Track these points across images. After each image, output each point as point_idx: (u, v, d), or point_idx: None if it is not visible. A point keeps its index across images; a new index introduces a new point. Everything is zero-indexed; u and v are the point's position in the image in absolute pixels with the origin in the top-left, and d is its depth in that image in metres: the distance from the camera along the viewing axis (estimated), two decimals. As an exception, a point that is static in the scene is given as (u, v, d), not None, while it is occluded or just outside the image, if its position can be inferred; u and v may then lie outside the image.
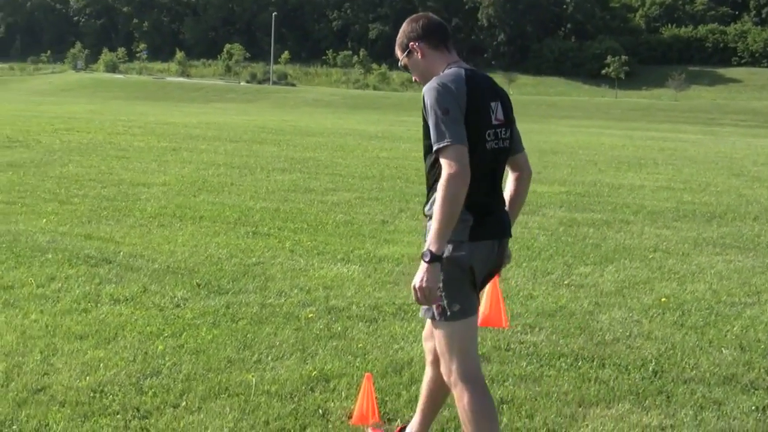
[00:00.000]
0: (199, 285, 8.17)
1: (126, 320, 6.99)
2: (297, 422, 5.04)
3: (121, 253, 9.49)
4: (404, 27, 4.29)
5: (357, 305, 7.71)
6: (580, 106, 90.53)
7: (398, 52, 4.33)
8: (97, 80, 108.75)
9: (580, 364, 6.36)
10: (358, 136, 32.99)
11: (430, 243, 3.84)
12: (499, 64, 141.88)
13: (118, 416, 5.05)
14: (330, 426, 4.99)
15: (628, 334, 7.19)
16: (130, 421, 4.98)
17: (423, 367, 6.04)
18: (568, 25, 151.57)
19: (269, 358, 6.19)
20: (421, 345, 6.57)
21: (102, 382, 5.55)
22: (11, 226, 10.85)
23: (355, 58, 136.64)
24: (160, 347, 6.32)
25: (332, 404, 5.35)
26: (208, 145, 25.22)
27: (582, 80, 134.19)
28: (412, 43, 4.23)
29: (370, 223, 12.33)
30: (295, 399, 5.42)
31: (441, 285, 3.97)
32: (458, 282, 4.04)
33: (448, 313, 4.06)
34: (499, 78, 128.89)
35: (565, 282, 9.03)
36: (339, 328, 6.98)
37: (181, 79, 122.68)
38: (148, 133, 29.00)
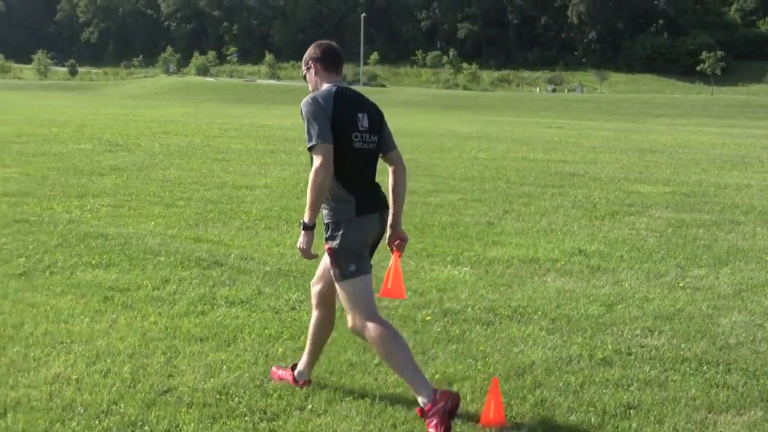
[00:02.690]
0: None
1: (243, 323, 7.08)
2: (424, 426, 5.04)
3: (232, 255, 9.62)
4: (310, 48, 5.47)
5: (472, 308, 7.70)
6: (675, 103, 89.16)
7: (303, 66, 5.49)
8: (188, 83, 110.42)
9: (705, 368, 6.25)
10: (454, 137, 32.98)
11: (304, 216, 5.08)
12: (590, 62, 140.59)
13: (246, 418, 5.10)
14: (458, 430, 4.97)
15: (751, 338, 7.04)
16: (258, 423, 5.04)
17: (545, 371, 6.06)
18: (660, 21, 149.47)
19: (389, 361, 6.21)
20: (541, 349, 6.57)
21: (226, 384, 5.63)
22: (121, 228, 11.08)
23: (445, 58, 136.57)
24: (280, 350, 6.38)
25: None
26: (305, 147, 25.38)
27: (676, 77, 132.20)
28: (311, 61, 5.39)
29: (476, 224, 12.30)
30: (420, 402, 5.42)
31: (335, 247, 5.14)
32: (351, 248, 5.12)
33: (347, 273, 5.14)
34: (589, 76, 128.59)
35: (680, 284, 8.88)
36: (457, 331, 6.98)
37: (271, 81, 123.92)
38: (244, 136, 29.37)
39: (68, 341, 6.51)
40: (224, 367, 5.96)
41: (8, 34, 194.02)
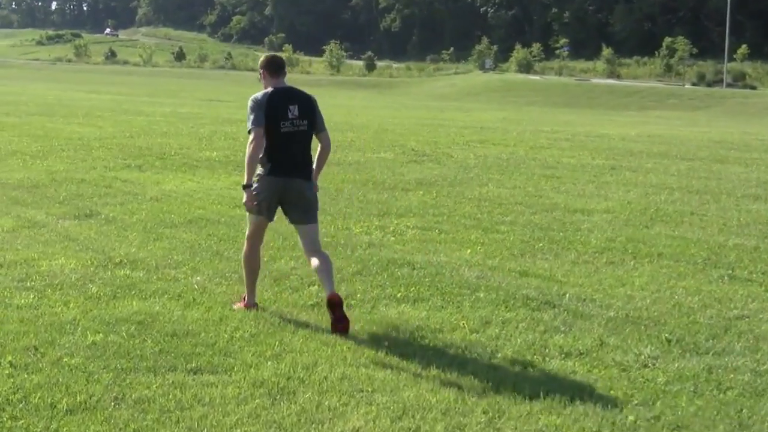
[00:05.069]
0: (669, 341, 8.10)
1: (582, 380, 7.05)
2: None
3: (567, 295, 9.61)
4: (261, 59, 9.05)
5: None
6: None
7: (258, 72, 9.16)
8: (508, 82, 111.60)
9: None
10: None
11: (244, 179, 8.57)
12: None
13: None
14: None
15: None
16: None
17: None
18: None
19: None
20: None
21: (564, 456, 5.59)
22: (431, 256, 11.30)
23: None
24: (630, 417, 6.29)
25: None
26: (655, 163, 25.12)
27: None
28: (261, 69, 8.89)
29: None
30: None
31: (255, 195, 8.52)
32: (257, 195, 8.51)
33: (248, 209, 8.74)
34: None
35: None
36: None
37: (609, 80, 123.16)
38: (578, 147, 29.38)
39: (369, 389, 6.72)
40: (559, 435, 5.93)
41: (296, 21, 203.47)
